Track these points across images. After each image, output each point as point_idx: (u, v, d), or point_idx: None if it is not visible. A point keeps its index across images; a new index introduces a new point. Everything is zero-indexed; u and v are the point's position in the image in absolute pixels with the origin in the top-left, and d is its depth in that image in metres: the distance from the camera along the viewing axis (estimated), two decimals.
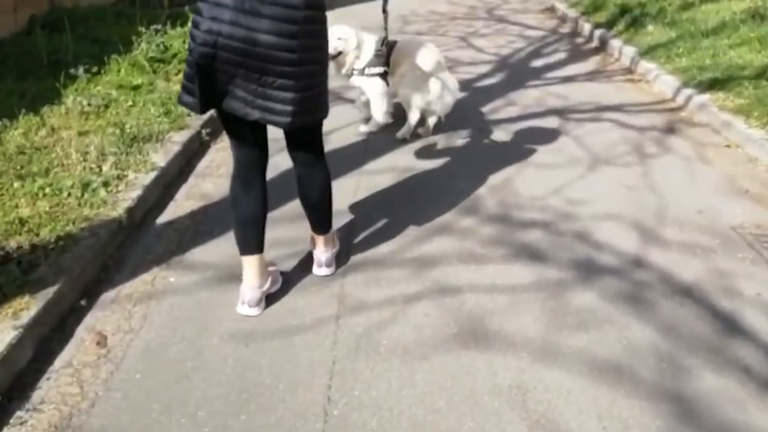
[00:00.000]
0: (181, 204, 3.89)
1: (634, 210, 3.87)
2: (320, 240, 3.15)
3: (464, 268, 3.28)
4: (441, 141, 4.82)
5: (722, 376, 2.59)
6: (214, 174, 4.29)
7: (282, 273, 3.15)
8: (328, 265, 3.19)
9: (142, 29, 6.40)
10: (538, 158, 4.57)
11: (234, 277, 3.09)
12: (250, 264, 2.89)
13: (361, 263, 3.31)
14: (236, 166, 2.89)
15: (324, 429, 2.31)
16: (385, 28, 4.49)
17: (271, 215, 3.06)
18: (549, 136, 4.98)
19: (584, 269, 3.29)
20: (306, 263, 3.25)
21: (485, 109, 5.56)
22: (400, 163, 4.45)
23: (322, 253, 3.17)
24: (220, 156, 4.57)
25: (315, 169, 2.99)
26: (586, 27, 8.23)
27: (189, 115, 4.89)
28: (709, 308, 3.01)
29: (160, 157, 4.18)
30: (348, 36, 4.54)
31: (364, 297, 3.04)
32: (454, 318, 2.90)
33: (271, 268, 3.06)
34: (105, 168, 3.90)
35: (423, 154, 4.62)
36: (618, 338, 2.80)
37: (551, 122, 5.28)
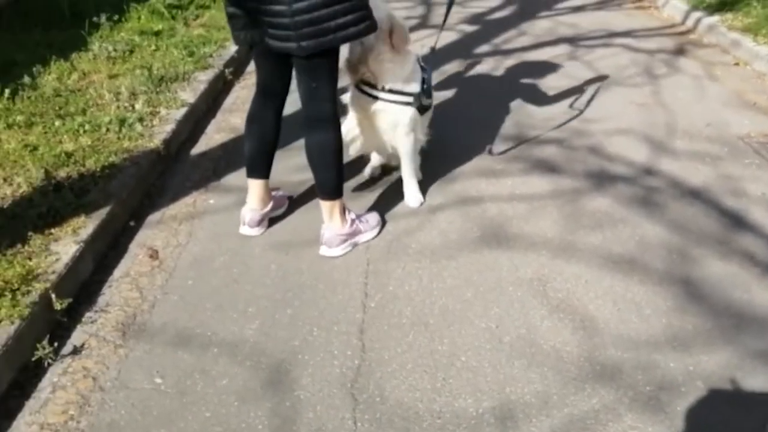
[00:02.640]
0: (212, 137, 4.09)
1: (645, 125, 4.03)
2: (324, 207, 2.90)
3: (484, 181, 3.47)
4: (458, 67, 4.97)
5: (728, 263, 2.80)
6: (241, 109, 4.47)
7: (312, 194, 3.36)
8: (328, 244, 2.89)
9: None
10: (550, 82, 4.71)
11: None
12: (252, 187, 3.02)
13: (387, 181, 3.51)
14: (257, 89, 2.96)
15: (364, 318, 2.54)
16: (442, 24, 3.33)
17: None
18: (561, 61, 5.11)
19: (598, 178, 3.47)
20: None
21: (497, 40, 5.67)
22: None
23: (325, 226, 2.91)
24: (244, 93, 4.75)
25: (320, 113, 2.77)
26: None
27: (211, 56, 5.07)
28: (716, 207, 3.20)
29: (189, 94, 4.37)
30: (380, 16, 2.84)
31: (392, 209, 3.25)
32: (477, 223, 3.11)
33: (275, 193, 3.16)
34: (138, 106, 4.10)
35: (439, 85, 4.77)
36: (631, 235, 3.00)
37: (562, 49, 5.40)
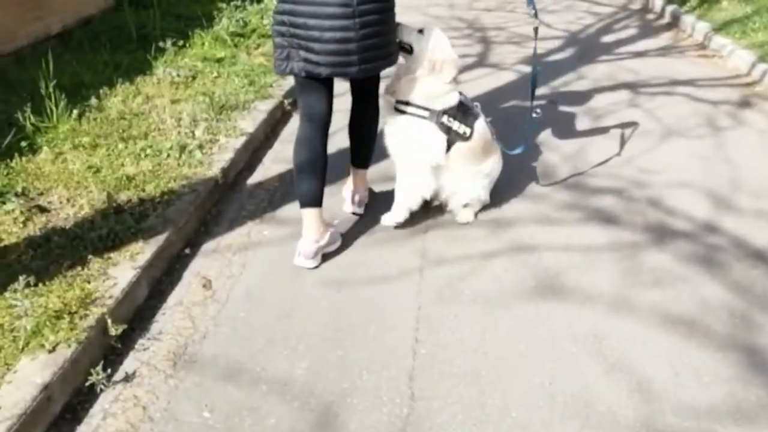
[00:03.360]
0: (269, 167, 4.14)
1: (707, 179, 3.93)
2: (359, 175, 3.48)
3: (539, 229, 3.42)
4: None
5: None
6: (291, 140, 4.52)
7: (367, 230, 3.37)
8: (359, 204, 3.52)
9: (223, 5, 6.69)
10: (609, 129, 4.65)
11: None
12: (307, 217, 3.11)
13: (440, 223, 3.49)
14: (302, 122, 3.12)
15: (413, 365, 2.51)
16: (534, 48, 3.67)
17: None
18: (620, 108, 5.05)
19: (657, 233, 3.39)
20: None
21: (556, 83, 5.64)
22: None
23: (362, 190, 3.52)
24: None
25: (370, 105, 3.28)
26: (658, 3, 8.15)
27: (271, 86, 5.15)
28: None
29: (248, 123, 4.43)
30: (430, 41, 3.15)
31: (444, 252, 3.22)
32: (532, 273, 3.06)
33: (331, 229, 3.22)
34: (198, 133, 4.18)
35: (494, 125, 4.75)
36: (691, 295, 2.91)
37: (622, 95, 5.34)
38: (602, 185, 3.87)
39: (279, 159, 4.24)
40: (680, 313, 2.81)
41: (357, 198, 3.51)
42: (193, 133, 4.19)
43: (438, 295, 2.91)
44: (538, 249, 3.25)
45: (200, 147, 3.98)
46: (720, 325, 2.73)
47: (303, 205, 3.11)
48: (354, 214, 3.52)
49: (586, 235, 3.38)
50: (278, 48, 2.95)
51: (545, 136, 4.52)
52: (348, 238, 3.33)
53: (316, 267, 3.11)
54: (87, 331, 2.43)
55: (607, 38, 7.08)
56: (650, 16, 8.01)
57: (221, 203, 3.67)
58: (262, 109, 4.72)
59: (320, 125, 3.08)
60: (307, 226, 3.10)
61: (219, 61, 5.68)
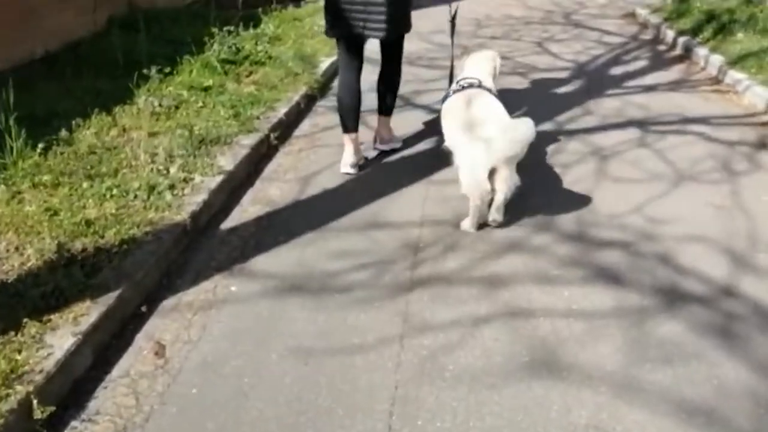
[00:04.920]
0: (247, 209, 3.82)
1: (724, 232, 3.59)
2: (384, 121, 4.52)
3: (538, 289, 3.08)
4: None
5: None
6: (281, 179, 4.21)
7: (345, 288, 3.05)
8: (382, 142, 4.56)
9: (215, 30, 6.42)
10: (617, 172, 4.32)
11: (296, 288, 3.02)
12: (348, 141, 4.26)
13: (427, 279, 3.16)
14: (343, 67, 4.26)
15: None
16: (452, 41, 4.53)
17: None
18: (629, 148, 4.72)
19: (668, 296, 3.04)
20: (374, 276, 3.13)
21: (561, 117, 5.32)
22: None
23: (384, 132, 4.55)
24: (288, 161, 4.50)
25: (393, 67, 4.37)
26: (669, 34, 7.84)
27: (258, 118, 4.85)
28: None
29: (228, 160, 4.13)
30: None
31: (429, 316, 2.89)
32: (527, 345, 2.71)
33: (362, 145, 4.40)
34: (172, 170, 3.87)
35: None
36: (707, 376, 2.56)
37: (631, 134, 5.01)
38: (608, 237, 3.53)
39: (259, 200, 3.93)
40: (695, 398, 2.45)
41: (379, 138, 4.55)
42: (167, 170, 3.89)
43: (419, 371, 2.57)
44: (535, 314, 2.90)
45: (171, 187, 3.67)
46: (742, 416, 2.37)
47: (345, 131, 4.26)
48: (376, 149, 4.54)
49: (588, 297, 3.03)
50: (326, 18, 4.13)
51: (547, 179, 4.19)
52: (324, 298, 2.99)
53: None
54: (5, 416, 2.10)
55: (617, 70, 6.76)
56: (661, 48, 7.70)
57: (188, 252, 3.35)
58: (246, 143, 4.42)
59: (356, 74, 4.25)
60: (348, 149, 4.26)
61: (206, 89, 5.40)
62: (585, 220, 3.70)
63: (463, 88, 3.89)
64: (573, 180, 4.16)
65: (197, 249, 3.39)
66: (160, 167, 3.91)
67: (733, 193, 4.06)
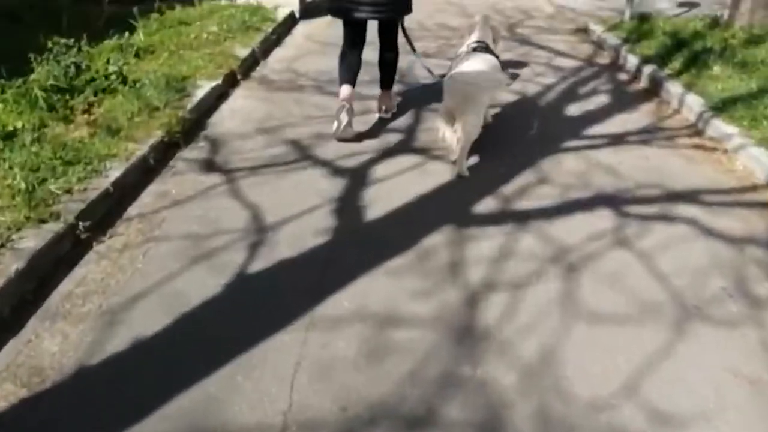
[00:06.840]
0: None
1: None
2: (385, 93, 4.94)
3: None
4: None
5: None
6: (72, 315, 2.64)
7: None
8: (386, 111, 4.94)
9: (53, 39, 4.78)
10: (592, 300, 2.95)
11: None
12: (344, 92, 4.53)
13: None
14: (346, 43, 4.66)
15: None
16: (412, 48, 4.86)
17: None
18: (603, 249, 3.36)
19: None
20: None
21: (507, 189, 3.92)
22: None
23: (387, 102, 4.93)
24: (98, 271, 2.93)
25: (391, 49, 4.76)
26: (631, 60, 6.54)
27: (68, 192, 3.27)
28: None
29: None
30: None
31: None
32: None
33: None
34: None
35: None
36: None
37: (604, 221, 3.66)
38: None
39: (14, 373, 2.36)
40: None
41: (384, 107, 4.92)
42: None
43: None
44: None
45: None
46: None
47: (341, 83, 4.58)
48: (380, 116, 4.89)
49: None
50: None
51: (487, 316, 2.78)
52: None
53: None
54: None
55: (574, 109, 5.41)
56: (622, 77, 6.39)
57: None
58: (28, 246, 2.83)
59: (358, 50, 4.66)
60: (345, 94, 4.51)
61: (9, 137, 3.76)
62: (549, 410, 2.30)
63: (474, 50, 4.43)
64: (530, 321, 2.76)
65: None
66: None
67: (765, 346, 2.73)
